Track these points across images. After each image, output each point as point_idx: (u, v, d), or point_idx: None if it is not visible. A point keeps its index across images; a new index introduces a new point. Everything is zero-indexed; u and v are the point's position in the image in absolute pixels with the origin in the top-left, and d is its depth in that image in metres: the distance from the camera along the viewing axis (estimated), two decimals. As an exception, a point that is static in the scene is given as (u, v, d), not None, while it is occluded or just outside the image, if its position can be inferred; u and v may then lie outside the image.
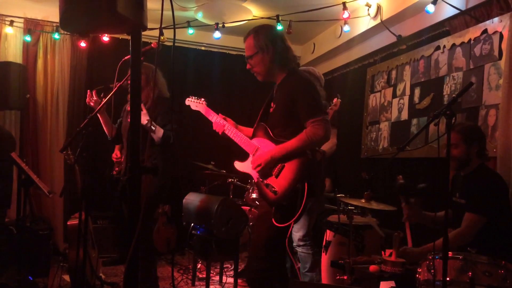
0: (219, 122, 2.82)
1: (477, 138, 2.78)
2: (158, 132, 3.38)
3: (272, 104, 2.72)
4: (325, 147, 3.56)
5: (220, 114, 2.87)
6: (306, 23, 5.02)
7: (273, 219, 2.48)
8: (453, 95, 2.18)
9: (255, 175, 2.66)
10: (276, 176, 2.52)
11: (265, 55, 2.62)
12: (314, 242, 3.53)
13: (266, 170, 2.55)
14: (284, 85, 2.65)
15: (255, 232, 2.76)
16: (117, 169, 3.67)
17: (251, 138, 2.75)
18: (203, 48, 6.14)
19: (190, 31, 5.20)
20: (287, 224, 2.44)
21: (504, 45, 3.22)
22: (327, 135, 2.46)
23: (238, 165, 2.78)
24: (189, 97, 3.06)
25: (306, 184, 2.42)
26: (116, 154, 3.76)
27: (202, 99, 2.99)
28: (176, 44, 5.74)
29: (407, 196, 2.95)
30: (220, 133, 2.82)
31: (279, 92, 2.68)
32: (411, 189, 2.96)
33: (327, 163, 3.66)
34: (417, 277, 2.35)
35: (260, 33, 2.65)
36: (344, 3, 4.43)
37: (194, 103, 3.02)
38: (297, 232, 3.47)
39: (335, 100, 3.61)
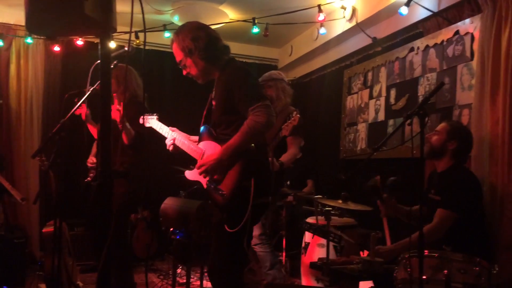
0: (168, 136, 2.69)
1: (460, 138, 2.82)
2: (129, 134, 3.23)
3: (213, 103, 2.54)
4: (284, 158, 3.46)
5: (170, 127, 2.74)
6: (283, 26, 5.03)
7: (225, 226, 2.29)
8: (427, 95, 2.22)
9: (203, 181, 2.45)
10: (223, 178, 2.35)
11: (194, 57, 2.45)
12: (271, 240, 3.59)
13: (214, 174, 2.36)
14: (220, 79, 2.48)
15: (214, 244, 2.47)
16: (91, 174, 3.61)
17: (198, 143, 2.58)
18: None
19: (167, 34, 5.16)
20: (240, 226, 2.25)
21: (475, 46, 3.28)
22: (270, 121, 2.25)
23: (188, 174, 2.57)
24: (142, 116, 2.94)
25: (252, 181, 2.26)
26: (92, 159, 3.69)
27: (154, 114, 2.87)
28: (153, 48, 5.74)
29: (379, 193, 2.98)
30: (169, 145, 2.67)
31: (217, 87, 2.51)
32: (382, 186, 2.99)
33: (288, 172, 3.64)
34: (395, 276, 2.38)
35: (181, 34, 2.47)
36: (319, 6, 4.46)
37: (146, 119, 2.88)
38: (253, 231, 3.46)
39: (294, 114, 3.55)
